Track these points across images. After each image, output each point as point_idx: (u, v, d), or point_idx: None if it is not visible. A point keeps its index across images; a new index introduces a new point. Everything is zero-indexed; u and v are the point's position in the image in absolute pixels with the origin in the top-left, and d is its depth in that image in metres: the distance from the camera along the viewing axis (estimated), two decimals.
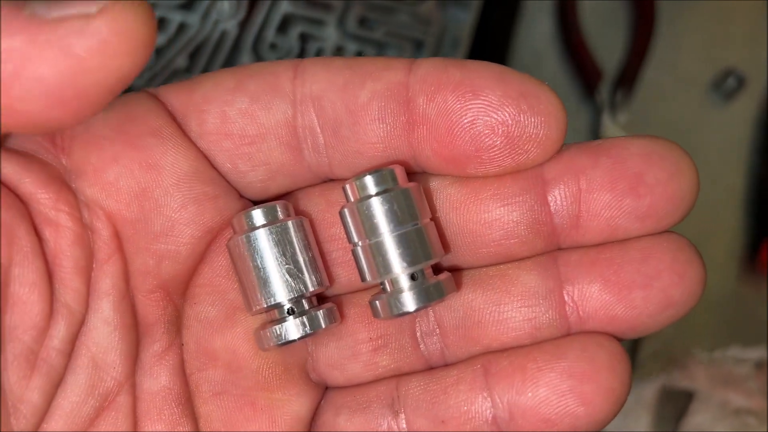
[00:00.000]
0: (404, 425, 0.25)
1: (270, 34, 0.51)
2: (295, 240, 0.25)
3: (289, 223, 0.25)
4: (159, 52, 0.50)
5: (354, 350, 0.26)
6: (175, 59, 0.49)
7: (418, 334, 0.26)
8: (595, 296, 0.24)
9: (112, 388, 0.24)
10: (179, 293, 0.25)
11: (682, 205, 0.23)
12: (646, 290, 0.23)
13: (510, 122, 0.23)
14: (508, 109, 0.23)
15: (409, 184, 0.24)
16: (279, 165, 0.25)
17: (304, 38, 0.51)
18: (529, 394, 0.24)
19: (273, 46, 0.50)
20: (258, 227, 0.24)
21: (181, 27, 0.50)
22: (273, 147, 0.25)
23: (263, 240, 0.24)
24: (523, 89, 0.23)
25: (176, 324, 0.26)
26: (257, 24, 0.51)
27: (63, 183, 0.24)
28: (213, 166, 0.25)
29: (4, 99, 0.19)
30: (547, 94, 0.23)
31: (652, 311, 0.23)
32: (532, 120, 0.23)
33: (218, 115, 0.24)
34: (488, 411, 0.24)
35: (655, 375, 0.48)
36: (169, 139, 0.24)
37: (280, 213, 0.25)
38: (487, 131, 0.23)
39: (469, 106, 0.23)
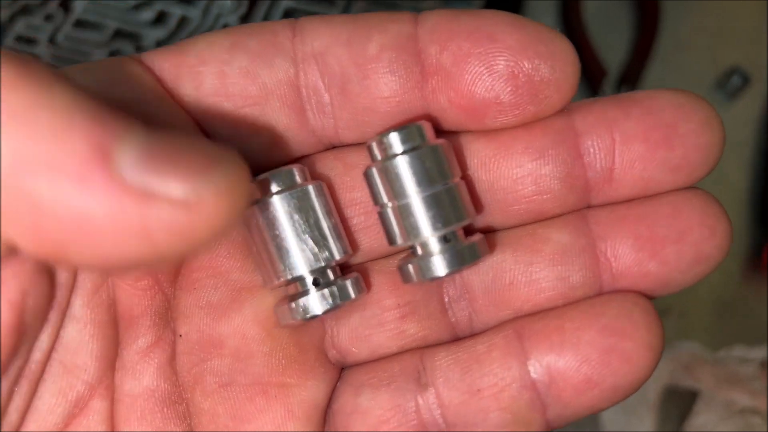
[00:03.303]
0: (434, 399, 0.24)
1: None
2: (316, 205, 0.23)
3: (309, 188, 0.23)
4: (159, 46, 0.49)
5: (380, 319, 0.24)
6: None
7: (446, 299, 0.25)
8: (628, 252, 0.23)
9: (84, 393, 0.22)
10: (169, 280, 0.24)
11: (712, 157, 0.23)
12: (678, 245, 0.23)
13: (530, 66, 0.22)
14: (527, 53, 0.22)
15: (438, 141, 0.23)
16: (283, 128, 0.23)
17: None
18: (569, 354, 0.23)
19: None
20: (275, 193, 0.23)
21: (182, 21, 0.50)
22: (276, 108, 0.23)
23: (282, 207, 0.23)
24: (538, 35, 0.22)
25: (165, 315, 0.24)
26: (258, 19, 0.50)
27: None
28: (206, 133, 0.23)
29: (64, 252, 0.17)
30: (561, 39, 0.22)
31: (684, 267, 0.23)
32: (551, 64, 0.22)
33: (216, 75, 0.23)
34: (527, 376, 0.23)
35: (660, 374, 0.48)
36: (156, 105, 0.22)
37: (297, 177, 0.23)
38: (507, 76, 0.22)
39: (488, 51, 0.22)
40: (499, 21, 0.22)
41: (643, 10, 0.58)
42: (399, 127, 0.23)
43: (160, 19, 0.50)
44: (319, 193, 0.23)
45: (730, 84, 0.57)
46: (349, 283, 0.23)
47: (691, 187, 0.23)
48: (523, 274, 0.24)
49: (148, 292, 0.23)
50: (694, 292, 0.52)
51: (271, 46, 0.23)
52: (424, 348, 0.24)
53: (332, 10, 0.51)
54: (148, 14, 0.50)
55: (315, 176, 0.24)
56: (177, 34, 0.50)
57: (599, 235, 0.23)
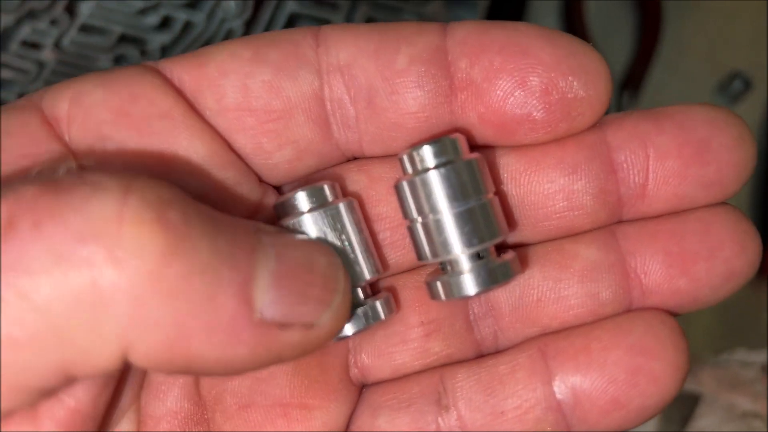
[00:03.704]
0: (455, 421, 0.23)
1: None
2: (347, 224, 0.22)
3: (341, 206, 0.22)
4: (164, 50, 0.49)
5: (404, 336, 0.24)
6: None
7: (472, 317, 0.24)
8: (658, 269, 0.23)
9: (115, 417, 0.22)
10: None
11: (745, 173, 0.23)
12: (709, 261, 0.22)
13: (564, 83, 0.21)
14: (561, 69, 0.21)
15: (472, 155, 0.22)
16: (307, 143, 0.23)
17: None
18: (595, 375, 0.22)
19: None
20: (307, 212, 0.22)
21: (187, 26, 0.50)
22: (301, 123, 0.22)
23: (311, 226, 0.22)
24: (572, 49, 0.22)
25: None
26: (263, 23, 0.50)
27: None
28: (231, 149, 0.22)
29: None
30: (594, 53, 0.22)
31: (715, 283, 0.23)
32: (585, 80, 0.22)
33: (238, 88, 0.22)
34: (551, 397, 0.23)
35: None
36: (181, 120, 0.22)
37: (328, 194, 0.22)
38: (540, 93, 0.22)
39: (521, 67, 0.21)
40: (532, 35, 0.22)
41: (645, 14, 0.58)
42: (432, 140, 0.22)
43: (165, 23, 0.50)
44: (351, 210, 0.23)
45: (732, 88, 0.57)
46: (379, 304, 0.23)
47: (722, 204, 0.23)
48: (551, 290, 0.23)
49: None
50: None
51: (294, 58, 0.22)
52: (445, 367, 0.24)
53: (336, 13, 0.51)
54: (153, 19, 0.50)
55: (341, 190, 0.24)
56: (182, 38, 0.50)
57: (629, 251, 0.23)
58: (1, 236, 0.16)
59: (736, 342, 0.50)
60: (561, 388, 0.23)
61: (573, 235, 0.24)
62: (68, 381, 0.18)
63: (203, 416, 0.23)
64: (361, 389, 0.25)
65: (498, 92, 0.22)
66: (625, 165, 0.23)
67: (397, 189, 0.23)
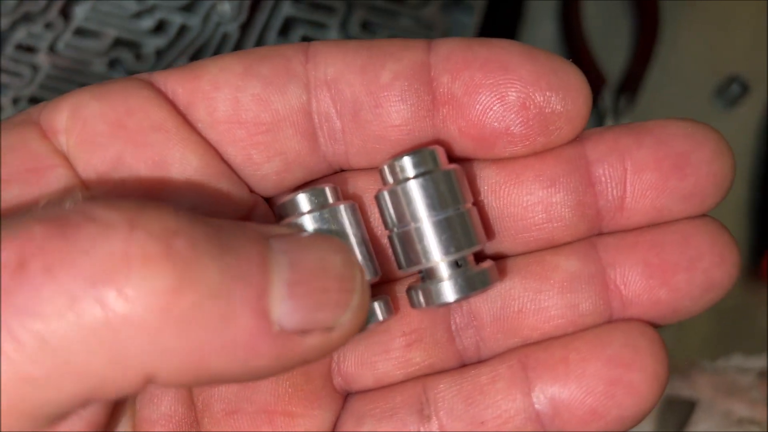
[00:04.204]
0: (437, 430, 0.24)
1: (272, 37, 0.50)
2: (347, 226, 0.23)
3: (341, 207, 0.23)
4: (159, 54, 0.49)
5: (386, 346, 0.24)
6: (176, 62, 0.49)
7: (453, 327, 0.24)
8: (638, 280, 0.23)
9: (111, 422, 0.22)
10: None
11: (724, 186, 0.23)
12: (689, 272, 0.23)
13: (542, 99, 0.22)
14: (539, 85, 0.22)
15: (450, 166, 0.23)
16: (295, 155, 0.23)
17: (306, 41, 0.51)
18: (574, 386, 0.23)
19: None
20: (306, 212, 0.23)
21: (182, 29, 0.50)
22: (289, 135, 0.23)
23: (312, 226, 0.23)
24: (552, 66, 0.22)
25: None
26: (259, 27, 0.50)
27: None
28: (223, 160, 0.23)
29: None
30: (574, 70, 0.22)
31: (695, 294, 0.23)
32: (563, 96, 0.22)
33: (230, 101, 0.23)
34: (530, 407, 0.23)
35: None
36: (175, 132, 0.22)
37: (329, 196, 0.23)
38: (518, 108, 0.22)
39: (500, 82, 0.22)
40: (512, 51, 0.22)
41: (642, 16, 0.58)
42: (412, 152, 0.23)
43: (161, 27, 0.50)
44: (352, 212, 0.23)
45: (730, 92, 0.57)
46: (377, 305, 0.23)
47: (701, 216, 0.23)
48: (531, 301, 0.24)
49: None
50: None
51: (284, 72, 0.23)
52: (428, 376, 0.24)
53: (332, 16, 0.51)
54: (148, 22, 0.50)
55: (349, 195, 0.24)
56: (177, 42, 0.50)
57: (609, 263, 0.23)
58: (14, 278, 0.17)
59: (733, 348, 0.50)
60: (540, 398, 0.23)
61: (554, 246, 0.24)
62: (90, 403, 0.18)
63: (195, 419, 0.24)
64: (345, 397, 0.25)
65: (477, 106, 0.22)
66: (603, 178, 0.23)
67: (378, 199, 0.23)
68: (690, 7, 0.59)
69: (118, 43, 0.50)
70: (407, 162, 0.23)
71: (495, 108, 0.22)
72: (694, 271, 0.23)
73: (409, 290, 0.24)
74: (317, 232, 0.22)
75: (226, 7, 0.50)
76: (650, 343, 0.23)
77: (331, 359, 0.25)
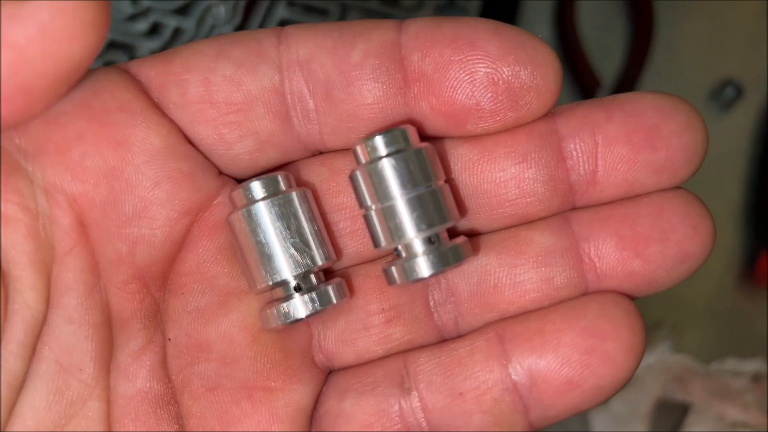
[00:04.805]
0: (417, 403, 0.24)
1: None
2: (299, 212, 0.23)
3: (293, 194, 0.23)
4: None
5: (366, 323, 0.25)
6: None
7: (432, 303, 0.25)
8: (612, 252, 0.23)
9: (81, 393, 0.23)
10: (158, 284, 0.24)
11: (696, 158, 0.23)
12: (662, 244, 0.23)
13: (509, 73, 0.22)
14: (506, 60, 0.22)
15: (422, 144, 0.23)
16: (268, 134, 0.24)
17: None
18: (550, 356, 0.23)
19: None
20: (259, 200, 0.23)
21: (177, 32, 0.50)
22: (261, 115, 0.23)
23: (265, 213, 0.23)
24: (519, 40, 0.22)
25: (155, 318, 0.24)
26: (253, 29, 0.50)
27: (12, 168, 0.22)
28: (189, 141, 0.24)
29: None
30: (542, 45, 0.23)
31: (669, 265, 0.23)
32: (531, 70, 0.22)
33: (201, 82, 0.23)
34: (508, 378, 0.23)
35: (652, 387, 0.48)
36: (139, 113, 0.23)
37: (282, 184, 0.24)
38: (487, 83, 0.22)
39: (468, 58, 0.22)
40: (480, 28, 0.23)
41: (637, 19, 0.58)
42: (384, 131, 0.23)
43: (155, 30, 0.50)
44: (303, 199, 0.24)
45: (724, 95, 0.57)
46: (331, 288, 0.24)
47: (675, 188, 0.24)
48: (507, 276, 0.24)
49: (136, 295, 0.24)
50: (687, 304, 0.52)
51: (256, 54, 0.23)
52: (409, 351, 0.25)
53: (326, 19, 0.51)
54: (142, 25, 0.50)
55: (301, 182, 0.25)
56: (171, 45, 0.50)
57: (583, 236, 0.24)
58: None
59: (728, 350, 0.50)
60: (517, 369, 0.23)
61: (529, 222, 0.24)
62: None
63: (173, 397, 0.24)
64: (328, 373, 0.25)
65: (447, 83, 0.23)
66: (574, 153, 0.23)
67: (352, 179, 0.24)
68: (685, 10, 0.59)
69: (113, 45, 0.49)
70: (379, 141, 0.23)
71: (464, 84, 0.23)
72: (667, 243, 0.23)
73: (384, 268, 0.24)
74: None
75: (220, 10, 0.50)
76: (625, 313, 0.23)
77: (310, 336, 0.25)
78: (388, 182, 0.23)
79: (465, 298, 0.25)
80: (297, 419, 0.24)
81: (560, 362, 0.23)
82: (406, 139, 0.23)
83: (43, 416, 0.22)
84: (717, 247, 0.56)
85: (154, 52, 0.49)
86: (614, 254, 0.23)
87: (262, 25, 0.50)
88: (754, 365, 0.49)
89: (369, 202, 0.23)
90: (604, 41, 0.58)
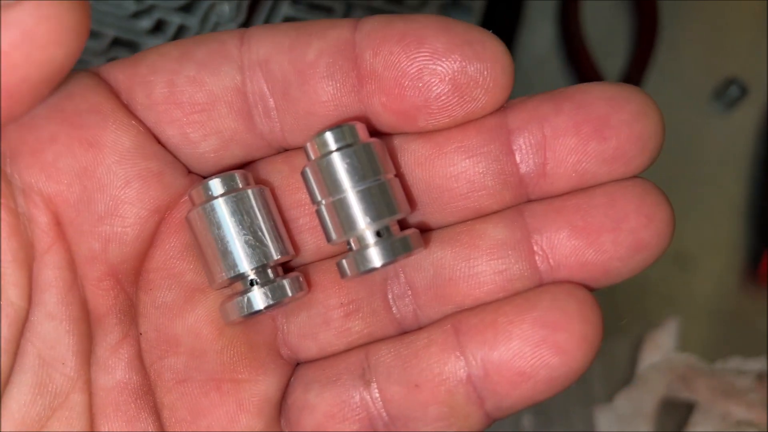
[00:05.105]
0: (377, 394, 0.24)
1: None
2: (255, 208, 0.24)
3: (248, 192, 0.24)
4: None
5: (325, 317, 0.25)
6: None
7: (390, 297, 0.25)
8: (564, 243, 0.24)
9: (64, 386, 0.23)
10: (130, 280, 0.25)
11: (649, 146, 0.23)
12: (614, 233, 0.23)
13: (456, 69, 0.23)
14: (453, 57, 0.23)
15: (370, 139, 0.24)
16: (231, 133, 0.25)
17: None
18: (502, 349, 0.23)
19: None
20: (215, 197, 0.24)
21: (181, 29, 0.50)
22: (224, 114, 0.24)
23: (221, 210, 0.24)
24: (467, 37, 0.23)
25: (130, 313, 0.25)
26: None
27: None
28: (157, 141, 0.24)
29: None
30: (491, 40, 0.23)
31: (623, 254, 0.23)
32: (478, 66, 0.23)
33: (165, 84, 0.24)
34: (462, 370, 0.24)
35: (656, 386, 0.48)
36: (110, 115, 0.24)
37: (239, 182, 0.24)
38: (434, 80, 0.23)
39: (414, 56, 0.23)
40: (428, 25, 0.23)
41: (641, 19, 0.58)
42: (332, 127, 0.24)
43: (159, 27, 0.50)
44: (258, 196, 0.24)
45: (728, 94, 0.57)
46: (286, 282, 0.24)
47: (631, 177, 0.24)
48: (462, 269, 0.24)
49: (110, 291, 0.24)
50: (691, 303, 0.52)
51: (219, 55, 0.24)
52: (371, 344, 0.25)
53: (331, 17, 0.51)
54: (146, 22, 0.50)
55: (263, 179, 0.26)
56: None
57: (535, 228, 0.24)
58: None
59: (732, 349, 0.50)
60: (471, 361, 0.24)
61: (484, 215, 0.25)
62: None
63: (150, 388, 0.25)
64: (296, 365, 0.26)
65: (395, 81, 0.23)
66: (522, 146, 0.24)
67: (303, 175, 0.24)
68: (689, 10, 0.59)
69: (117, 42, 0.49)
70: (328, 137, 0.24)
71: (412, 82, 0.23)
72: (619, 232, 0.23)
73: (337, 262, 0.24)
74: None
75: (224, 8, 0.50)
76: (579, 304, 0.23)
77: (275, 330, 0.26)
78: (336, 176, 0.23)
79: (422, 291, 0.25)
80: (264, 409, 0.25)
81: (512, 354, 0.23)
82: (354, 135, 0.24)
83: (29, 409, 0.23)
84: (720, 246, 0.56)
85: None
86: (567, 245, 0.24)
87: (265, 23, 0.50)
88: (758, 364, 0.49)
89: (319, 197, 0.24)
90: (608, 41, 0.58)
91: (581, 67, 0.57)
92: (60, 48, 0.20)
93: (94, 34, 0.49)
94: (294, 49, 0.24)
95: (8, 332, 0.22)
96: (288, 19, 0.51)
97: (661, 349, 0.49)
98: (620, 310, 0.49)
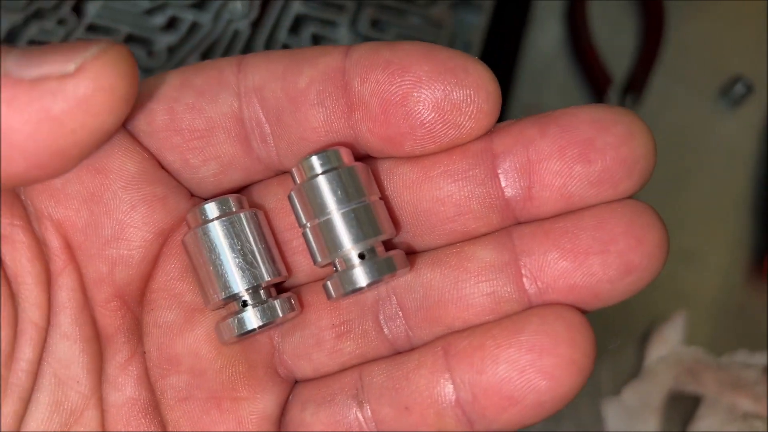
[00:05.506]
0: (370, 415, 0.25)
1: (282, 35, 0.51)
2: (247, 231, 0.25)
3: (241, 215, 0.25)
4: (171, 51, 0.50)
5: (318, 338, 0.26)
6: (187, 59, 0.49)
7: (381, 318, 0.25)
8: (552, 265, 0.23)
9: (79, 404, 0.24)
10: (136, 300, 0.25)
11: (637, 168, 0.23)
12: (602, 256, 0.23)
13: (439, 97, 0.23)
14: (436, 84, 0.23)
15: (355, 163, 0.24)
16: (230, 158, 0.25)
17: (316, 39, 0.51)
18: (490, 373, 0.23)
19: (285, 47, 0.51)
20: (210, 220, 0.24)
21: (194, 26, 0.50)
22: (222, 140, 0.25)
23: (214, 233, 0.24)
24: (450, 64, 0.23)
25: (136, 332, 0.25)
26: (269, 24, 0.51)
27: (14, 196, 0.24)
28: (161, 167, 0.25)
29: None
30: (475, 67, 0.23)
31: (612, 277, 0.23)
32: (461, 93, 0.23)
33: (166, 111, 0.25)
34: (451, 393, 0.24)
35: (664, 379, 0.48)
36: (116, 142, 0.24)
37: (233, 205, 0.25)
38: (418, 107, 0.23)
39: (399, 84, 0.23)
40: (412, 52, 0.23)
41: (648, 17, 0.58)
42: (317, 151, 0.24)
43: (172, 24, 0.51)
44: (251, 220, 0.25)
45: (734, 92, 0.57)
46: (278, 303, 0.25)
47: (622, 199, 0.23)
48: (450, 291, 0.24)
49: (118, 312, 0.25)
50: (698, 299, 0.53)
51: (217, 83, 0.25)
52: (365, 364, 0.25)
53: (342, 14, 0.51)
54: (159, 19, 0.50)
55: (257, 204, 0.26)
56: (188, 39, 0.50)
57: (523, 250, 0.24)
58: None
59: (738, 344, 0.51)
60: (459, 385, 0.24)
61: (473, 237, 0.25)
62: None
63: (156, 405, 0.25)
64: (294, 383, 0.26)
65: (382, 108, 0.23)
66: (508, 170, 0.24)
67: (290, 198, 0.25)
68: (695, 8, 0.60)
69: (130, 39, 0.50)
70: (314, 162, 0.24)
71: (397, 109, 0.23)
72: (607, 254, 0.23)
73: (324, 284, 0.25)
74: None
75: (237, 5, 0.51)
76: (567, 327, 0.23)
77: (273, 349, 0.26)
78: (321, 199, 0.24)
79: (412, 313, 0.25)
80: (263, 426, 0.25)
81: (499, 379, 0.23)
82: (338, 159, 0.24)
83: (47, 427, 0.24)
84: (726, 242, 0.56)
85: (171, 47, 0.50)
86: (555, 267, 0.23)
87: (278, 20, 0.51)
88: (764, 358, 0.49)
89: (305, 219, 0.24)
90: (615, 39, 0.59)
91: (588, 66, 0.57)
92: (111, 116, 0.21)
93: (107, 31, 0.50)
94: (287, 77, 0.24)
95: (32, 353, 0.23)
96: (300, 16, 0.51)
97: (668, 342, 0.49)
98: (628, 308, 0.49)
